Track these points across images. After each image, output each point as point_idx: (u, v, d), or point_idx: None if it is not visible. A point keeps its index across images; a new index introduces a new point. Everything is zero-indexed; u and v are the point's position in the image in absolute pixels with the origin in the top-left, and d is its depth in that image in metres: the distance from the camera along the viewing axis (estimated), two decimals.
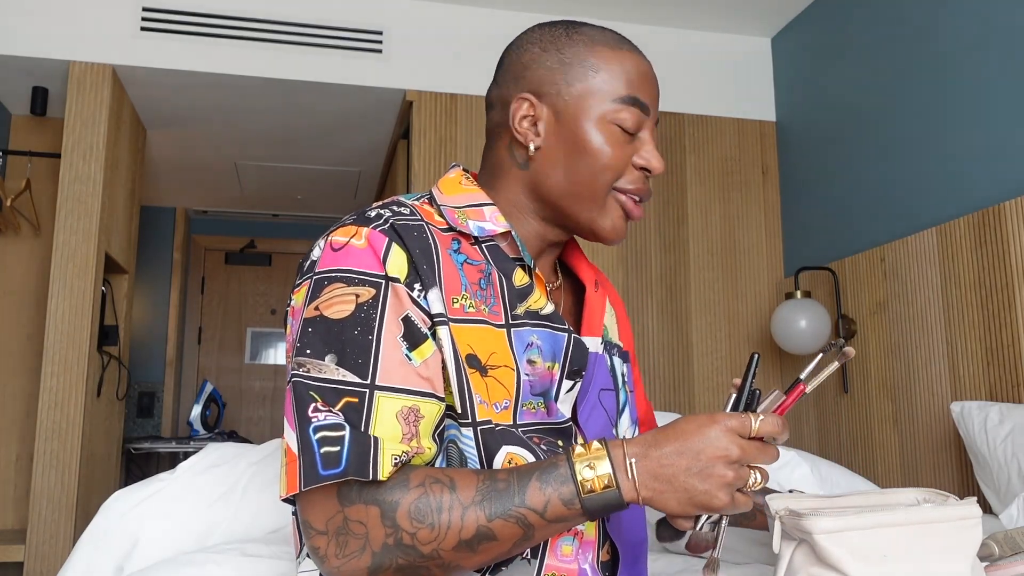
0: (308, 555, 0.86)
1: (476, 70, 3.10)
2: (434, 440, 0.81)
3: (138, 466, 4.27)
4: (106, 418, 3.05)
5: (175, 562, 1.24)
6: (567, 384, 0.90)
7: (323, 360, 0.78)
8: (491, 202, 0.93)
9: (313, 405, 0.76)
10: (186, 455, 3.79)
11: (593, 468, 0.75)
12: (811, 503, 0.90)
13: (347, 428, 0.75)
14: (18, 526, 3.10)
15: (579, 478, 0.75)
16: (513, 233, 0.91)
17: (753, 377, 0.83)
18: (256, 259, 5.27)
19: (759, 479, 0.77)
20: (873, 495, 0.93)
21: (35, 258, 3.29)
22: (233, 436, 4.36)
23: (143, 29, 2.85)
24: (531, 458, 0.83)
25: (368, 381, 0.78)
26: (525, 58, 0.94)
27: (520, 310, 0.89)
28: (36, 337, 3.15)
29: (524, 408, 0.86)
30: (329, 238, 0.85)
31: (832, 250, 2.94)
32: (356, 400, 0.77)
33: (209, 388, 4.34)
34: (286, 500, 0.80)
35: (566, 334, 0.91)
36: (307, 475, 0.74)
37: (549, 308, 0.91)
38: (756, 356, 0.84)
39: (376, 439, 0.75)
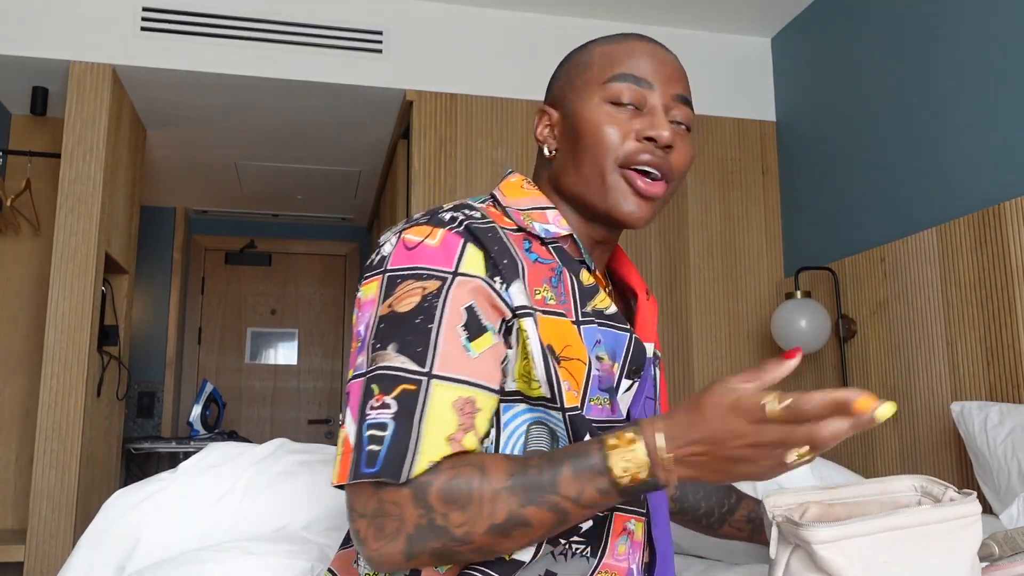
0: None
1: (476, 70, 3.10)
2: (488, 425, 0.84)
3: (138, 466, 4.27)
4: (106, 418, 3.04)
5: (176, 561, 1.24)
6: (626, 383, 0.93)
7: (386, 350, 0.81)
8: (552, 206, 0.97)
9: (370, 401, 0.79)
10: (186, 455, 3.78)
11: (628, 461, 0.74)
12: (808, 496, 0.91)
13: (391, 427, 0.77)
14: (18, 526, 3.10)
15: (615, 473, 0.74)
16: (575, 236, 0.96)
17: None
18: (256, 259, 5.27)
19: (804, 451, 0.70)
20: (871, 483, 0.94)
21: (35, 258, 3.29)
22: (233, 436, 4.36)
23: (143, 29, 2.84)
24: None
25: (426, 369, 0.79)
26: (553, 77, 1.03)
27: (588, 308, 0.91)
28: (36, 337, 3.15)
29: (592, 403, 0.88)
30: (402, 236, 0.87)
31: (832, 250, 2.94)
32: (413, 388, 0.78)
33: (209, 388, 4.34)
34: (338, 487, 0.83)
35: (628, 334, 0.93)
36: (355, 470, 0.77)
37: (613, 308, 0.94)
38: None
39: (417, 445, 0.76)
